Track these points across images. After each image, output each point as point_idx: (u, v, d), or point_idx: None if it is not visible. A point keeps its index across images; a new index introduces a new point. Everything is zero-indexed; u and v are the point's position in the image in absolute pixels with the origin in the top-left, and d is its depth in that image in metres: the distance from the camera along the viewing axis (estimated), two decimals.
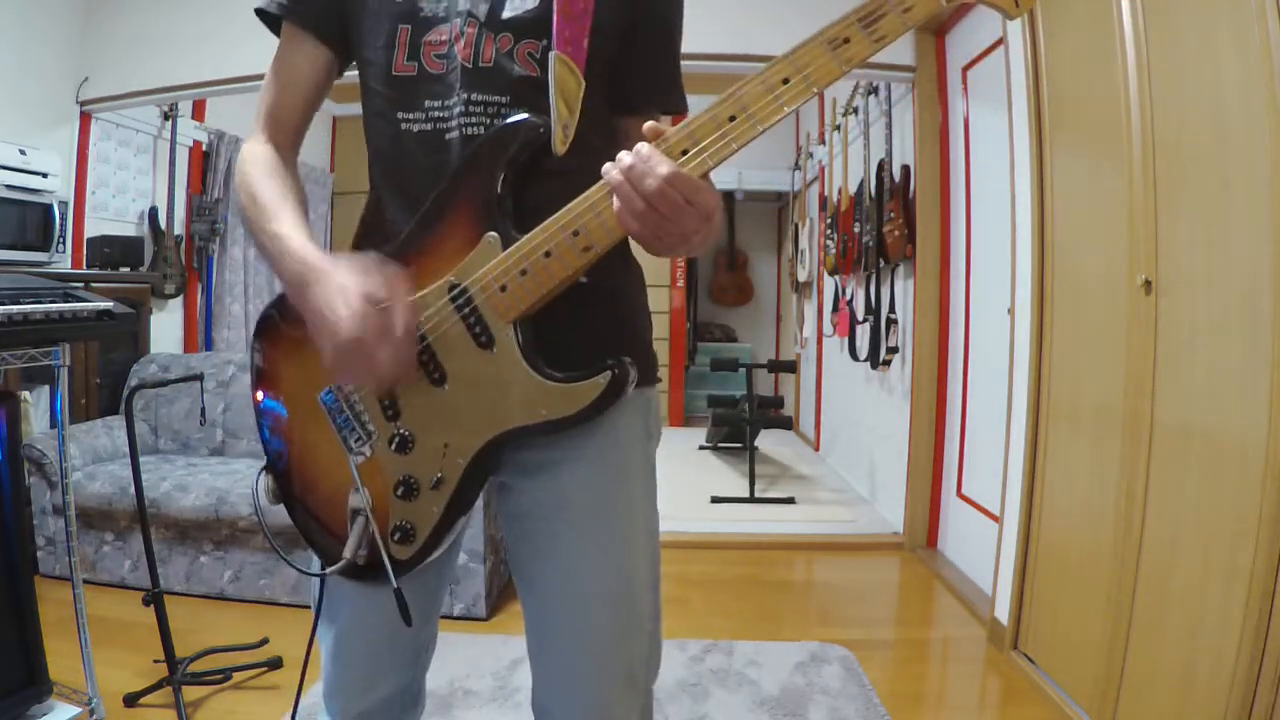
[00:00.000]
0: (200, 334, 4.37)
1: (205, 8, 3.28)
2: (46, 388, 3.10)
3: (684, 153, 0.71)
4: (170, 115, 4.00)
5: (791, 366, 5.29)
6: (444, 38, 0.84)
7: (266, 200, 0.84)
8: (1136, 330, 1.70)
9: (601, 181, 0.74)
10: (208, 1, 3.27)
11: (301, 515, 0.90)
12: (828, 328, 4.73)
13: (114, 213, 3.75)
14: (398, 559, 0.83)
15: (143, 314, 3.72)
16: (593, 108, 0.85)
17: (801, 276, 5.47)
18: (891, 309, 3.57)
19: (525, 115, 0.80)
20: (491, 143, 0.80)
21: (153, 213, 3.95)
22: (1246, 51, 1.39)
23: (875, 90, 3.77)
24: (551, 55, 0.81)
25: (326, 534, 0.88)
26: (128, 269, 3.66)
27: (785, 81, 0.69)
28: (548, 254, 0.76)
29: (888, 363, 3.68)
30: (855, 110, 4.11)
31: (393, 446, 0.83)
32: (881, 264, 3.60)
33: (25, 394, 2.95)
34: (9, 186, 2.91)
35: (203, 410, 3.07)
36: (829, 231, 4.44)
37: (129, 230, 3.85)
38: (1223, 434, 1.46)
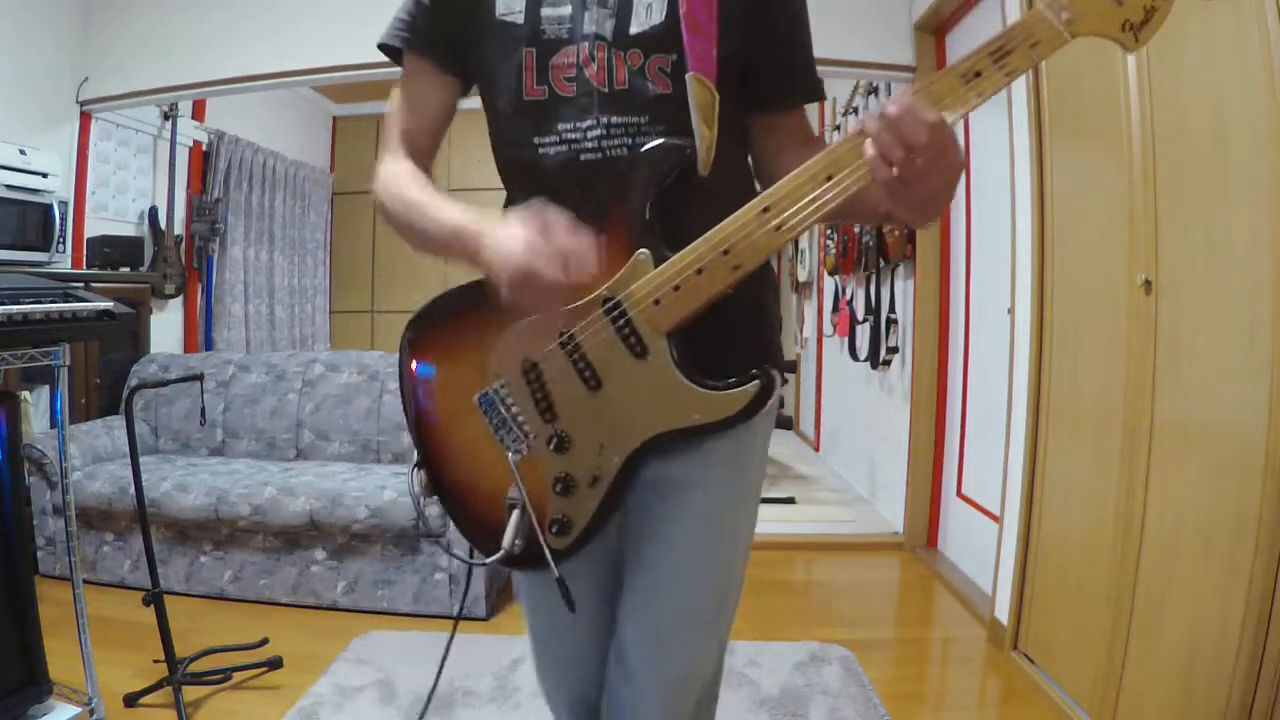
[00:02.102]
0: (200, 334, 4.37)
1: (205, 8, 3.28)
2: (46, 388, 3.10)
3: None
4: (170, 115, 4.01)
5: (791, 366, 5.29)
6: (571, 60, 0.86)
7: (422, 201, 0.88)
8: (1136, 330, 1.70)
9: (751, 203, 0.77)
10: (208, 2, 3.27)
11: (458, 509, 0.95)
12: (828, 328, 4.73)
13: (114, 213, 3.75)
14: (556, 549, 0.88)
15: (143, 314, 3.72)
16: (726, 116, 0.86)
17: (801, 276, 5.47)
18: (891, 309, 3.57)
19: (671, 139, 0.83)
20: (639, 165, 0.83)
21: (153, 213, 3.95)
22: (1246, 51, 1.39)
23: (875, 90, 3.77)
24: (688, 77, 0.83)
25: (483, 527, 0.92)
26: (128, 269, 3.66)
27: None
28: (699, 271, 0.80)
29: (888, 363, 3.68)
30: (855, 110, 4.10)
31: (550, 446, 0.88)
32: (881, 264, 3.59)
33: (25, 394, 2.95)
34: (9, 186, 2.91)
35: (203, 410, 3.08)
36: (829, 231, 4.44)
37: (129, 230, 3.85)
38: (1223, 434, 1.46)
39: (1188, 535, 1.54)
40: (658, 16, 0.84)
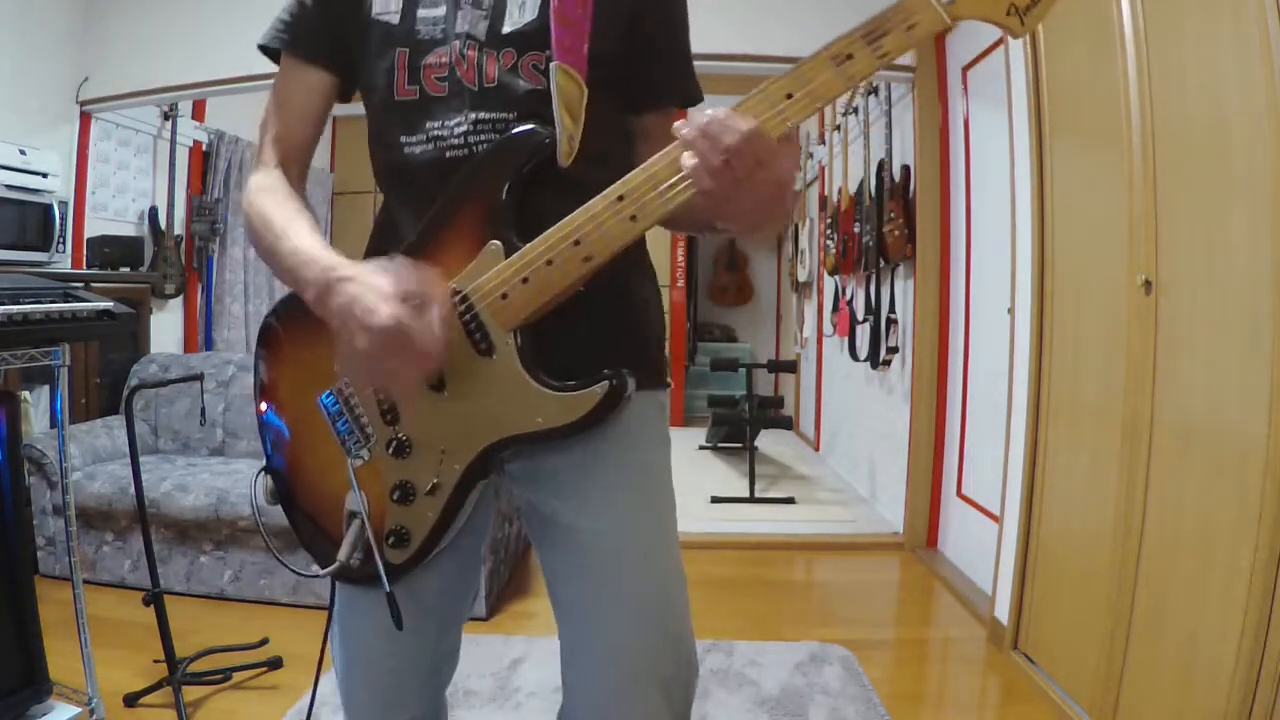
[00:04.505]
0: (200, 334, 4.37)
1: (205, 8, 3.28)
2: (46, 388, 3.09)
3: None
4: (170, 115, 4.00)
5: (791, 366, 5.29)
6: (444, 60, 0.84)
7: (279, 221, 0.82)
8: (1136, 330, 1.70)
9: (605, 191, 0.74)
10: (208, 2, 3.27)
11: (300, 517, 0.90)
12: (828, 328, 4.73)
13: (114, 213, 3.75)
14: (392, 563, 0.83)
15: (143, 314, 3.72)
16: (601, 113, 0.84)
17: (801, 276, 5.47)
18: (891, 309, 3.57)
19: (531, 126, 0.80)
20: (496, 153, 0.80)
21: (153, 213, 3.95)
22: (1246, 51, 1.39)
23: (875, 90, 3.77)
24: (552, 66, 0.80)
25: (324, 537, 0.87)
26: (128, 269, 3.66)
27: (789, 96, 0.69)
28: (549, 262, 0.76)
29: (888, 363, 3.68)
30: (855, 110, 4.11)
31: (390, 451, 0.83)
32: (881, 264, 3.59)
33: (25, 394, 2.94)
34: (9, 186, 2.91)
35: (203, 410, 3.07)
36: (829, 231, 4.44)
37: (129, 230, 3.84)
38: (1223, 434, 1.46)
39: (1188, 535, 1.54)
40: (530, 15, 0.83)
